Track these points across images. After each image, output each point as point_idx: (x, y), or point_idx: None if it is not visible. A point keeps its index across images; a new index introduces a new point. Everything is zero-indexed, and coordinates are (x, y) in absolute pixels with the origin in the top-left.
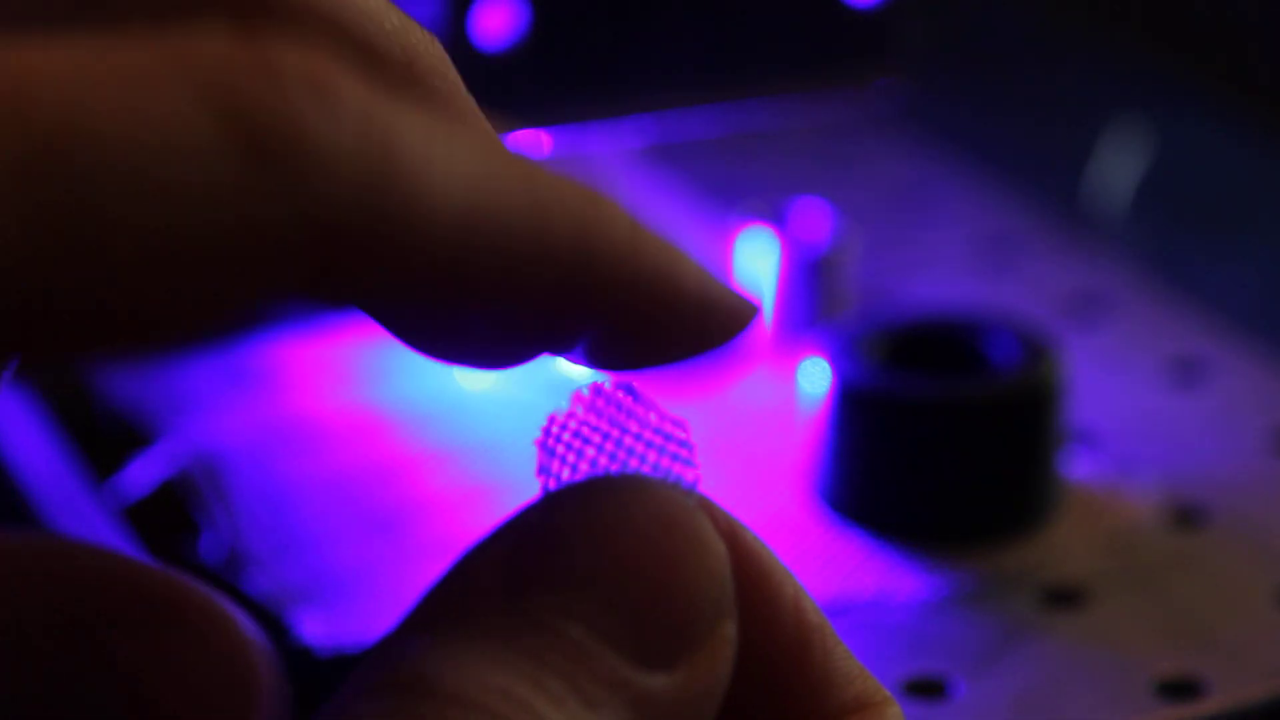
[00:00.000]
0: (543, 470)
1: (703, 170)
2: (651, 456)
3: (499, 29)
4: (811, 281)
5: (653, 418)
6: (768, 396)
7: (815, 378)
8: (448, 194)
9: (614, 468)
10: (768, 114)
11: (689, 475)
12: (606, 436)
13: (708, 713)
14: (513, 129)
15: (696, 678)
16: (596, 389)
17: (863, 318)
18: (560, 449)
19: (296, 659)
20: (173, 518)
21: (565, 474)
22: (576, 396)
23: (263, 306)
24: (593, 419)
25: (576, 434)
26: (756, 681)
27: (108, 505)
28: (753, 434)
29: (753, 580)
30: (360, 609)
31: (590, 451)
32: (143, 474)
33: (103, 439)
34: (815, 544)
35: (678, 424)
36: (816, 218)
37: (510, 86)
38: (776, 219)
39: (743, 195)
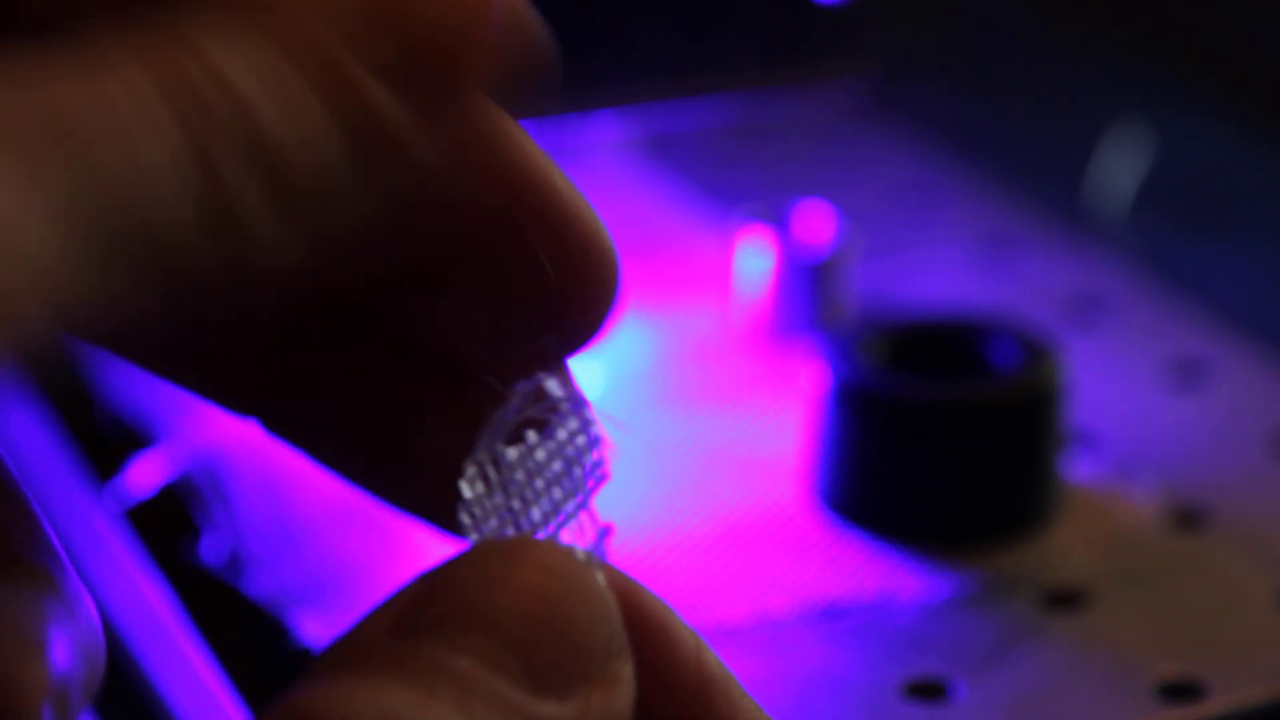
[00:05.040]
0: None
1: (703, 172)
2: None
3: None
4: (812, 284)
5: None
6: (768, 397)
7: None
8: None
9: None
10: (741, 108)
11: (601, 456)
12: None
13: None
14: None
15: (592, 709)
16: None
17: (863, 319)
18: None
19: (296, 660)
20: (174, 519)
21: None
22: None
23: None
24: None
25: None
26: None
27: (109, 507)
28: (753, 434)
29: (649, 631)
30: (360, 609)
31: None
32: (144, 476)
33: (104, 441)
34: (816, 546)
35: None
36: (818, 220)
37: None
38: (777, 221)
39: (743, 197)
